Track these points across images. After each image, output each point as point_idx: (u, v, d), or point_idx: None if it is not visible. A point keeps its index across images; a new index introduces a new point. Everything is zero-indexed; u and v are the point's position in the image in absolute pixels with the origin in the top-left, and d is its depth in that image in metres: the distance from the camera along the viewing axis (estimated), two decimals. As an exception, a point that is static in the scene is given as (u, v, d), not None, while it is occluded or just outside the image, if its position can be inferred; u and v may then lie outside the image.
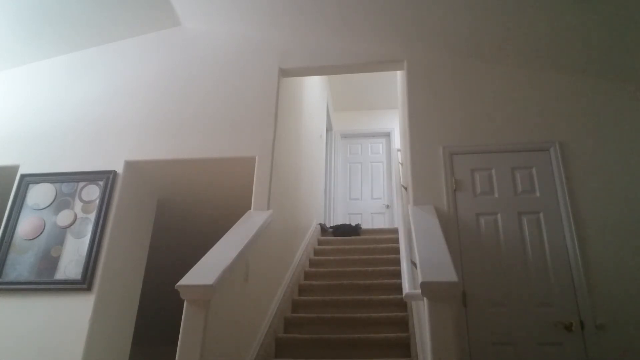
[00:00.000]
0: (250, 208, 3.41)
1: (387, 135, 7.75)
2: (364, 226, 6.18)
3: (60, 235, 3.44)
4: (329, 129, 7.52)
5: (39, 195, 3.63)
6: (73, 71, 4.24)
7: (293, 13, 3.87)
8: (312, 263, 4.76)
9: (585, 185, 3.12)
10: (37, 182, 3.67)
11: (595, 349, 2.70)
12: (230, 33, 4.21)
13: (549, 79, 3.52)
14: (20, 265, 3.37)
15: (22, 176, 3.72)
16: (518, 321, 2.83)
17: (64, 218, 3.50)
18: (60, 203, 3.57)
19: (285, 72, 4.03)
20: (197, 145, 3.69)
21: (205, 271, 2.35)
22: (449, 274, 2.16)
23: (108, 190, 3.55)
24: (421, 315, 2.85)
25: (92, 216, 3.47)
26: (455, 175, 3.30)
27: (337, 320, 3.53)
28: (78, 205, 3.54)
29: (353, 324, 3.50)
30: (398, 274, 4.14)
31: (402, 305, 3.70)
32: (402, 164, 5.45)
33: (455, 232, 3.11)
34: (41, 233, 3.47)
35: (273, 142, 3.64)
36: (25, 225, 3.52)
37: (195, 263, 2.47)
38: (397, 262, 4.40)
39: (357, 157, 7.72)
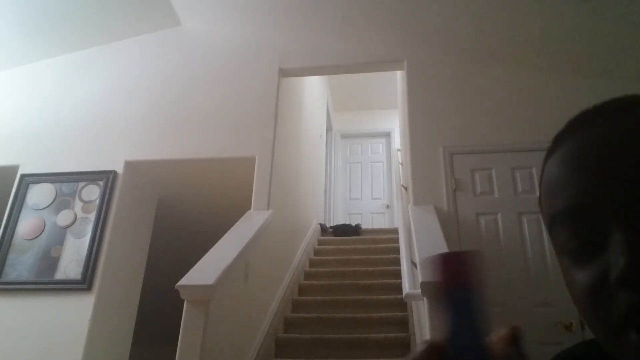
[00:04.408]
0: (250, 208, 3.41)
1: (387, 135, 7.75)
2: (364, 226, 6.17)
3: (60, 235, 3.44)
4: (329, 129, 7.52)
5: (39, 195, 3.62)
6: (73, 71, 4.24)
7: (293, 13, 3.87)
8: (312, 263, 4.75)
9: (585, 185, 3.11)
10: (37, 182, 3.67)
11: (595, 349, 2.70)
12: (231, 33, 4.21)
13: (549, 79, 3.52)
14: (20, 265, 3.37)
15: (22, 176, 3.72)
16: (518, 321, 2.82)
17: (64, 218, 3.50)
18: (60, 203, 3.56)
19: (285, 72, 4.02)
20: (197, 145, 3.69)
21: (205, 271, 2.35)
22: (449, 274, 2.16)
23: (108, 190, 3.55)
24: (421, 315, 2.85)
25: (92, 216, 3.47)
26: (455, 175, 3.30)
27: (337, 320, 3.53)
28: (78, 205, 3.53)
29: (353, 324, 3.50)
30: (398, 274, 4.13)
31: (402, 305, 3.70)
32: (402, 164, 5.45)
33: (455, 232, 3.11)
34: (41, 233, 3.47)
35: (273, 142, 3.64)
36: (25, 225, 3.52)
37: (195, 263, 2.47)
38: (397, 262, 4.39)
39: (357, 157, 7.72)
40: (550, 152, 0.38)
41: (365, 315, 3.53)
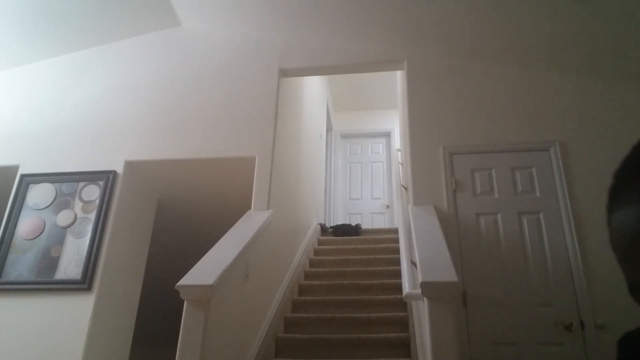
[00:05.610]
0: (250, 208, 3.41)
1: (387, 135, 7.75)
2: (364, 226, 6.17)
3: (60, 235, 3.44)
4: (329, 129, 7.52)
5: (39, 195, 3.62)
6: (73, 71, 4.24)
7: (293, 13, 3.87)
8: (312, 263, 4.75)
9: (585, 185, 3.12)
10: (37, 182, 3.67)
11: (595, 349, 2.70)
12: (231, 33, 4.21)
13: (549, 79, 3.52)
14: (20, 265, 3.37)
15: (22, 176, 3.72)
16: (518, 321, 2.83)
17: (64, 218, 3.50)
18: (60, 203, 3.56)
19: (285, 72, 4.02)
20: (197, 145, 3.69)
21: (205, 271, 2.35)
22: (449, 274, 2.16)
23: (108, 190, 3.55)
24: (421, 315, 2.85)
25: (92, 216, 3.47)
26: (455, 175, 3.30)
27: (337, 320, 3.53)
28: (78, 205, 3.53)
29: (353, 324, 3.50)
30: (398, 274, 4.14)
31: (402, 305, 3.70)
32: (402, 164, 5.45)
33: (455, 232, 3.11)
34: (41, 233, 3.47)
35: (273, 142, 3.64)
36: (25, 225, 3.52)
37: (195, 263, 2.47)
38: (397, 262, 4.40)
39: (357, 157, 7.72)
40: (623, 195, 0.36)
41: (365, 315, 3.53)
